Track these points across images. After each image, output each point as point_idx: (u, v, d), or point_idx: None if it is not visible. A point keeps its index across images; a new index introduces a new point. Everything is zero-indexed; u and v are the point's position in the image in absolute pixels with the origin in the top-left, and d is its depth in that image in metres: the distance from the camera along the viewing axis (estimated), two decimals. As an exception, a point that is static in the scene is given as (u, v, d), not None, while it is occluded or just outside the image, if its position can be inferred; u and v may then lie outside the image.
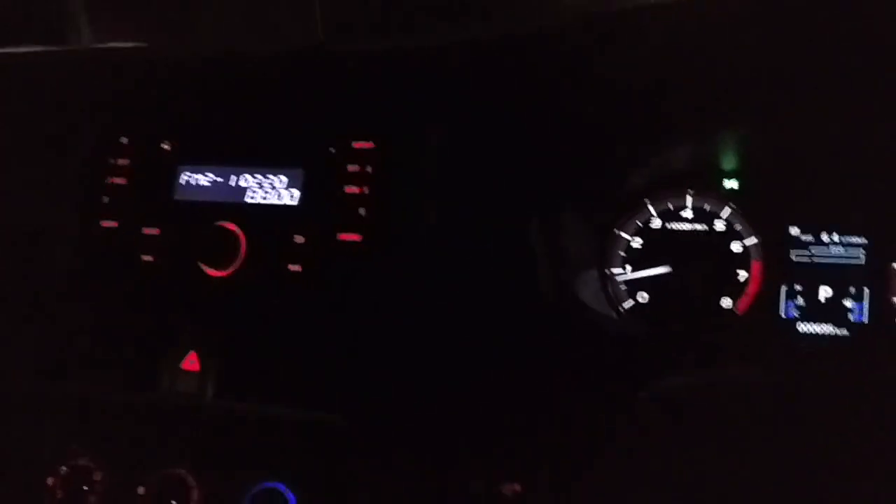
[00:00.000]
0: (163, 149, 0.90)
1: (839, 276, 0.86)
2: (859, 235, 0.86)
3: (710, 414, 0.73)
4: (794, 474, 0.71)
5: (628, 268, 0.92)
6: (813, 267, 0.86)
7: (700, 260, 0.89)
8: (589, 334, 0.86)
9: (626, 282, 0.91)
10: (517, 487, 0.70)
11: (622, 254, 0.92)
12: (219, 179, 0.87)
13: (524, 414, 0.75)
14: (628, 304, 0.91)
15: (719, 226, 0.89)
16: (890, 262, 0.85)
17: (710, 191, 0.90)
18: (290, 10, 0.90)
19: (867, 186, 0.87)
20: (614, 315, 0.91)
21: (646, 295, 0.91)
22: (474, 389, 0.78)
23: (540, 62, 0.81)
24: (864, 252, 0.85)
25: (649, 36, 0.78)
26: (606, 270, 0.92)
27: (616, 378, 0.77)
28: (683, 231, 0.90)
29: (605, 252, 0.92)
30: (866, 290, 0.84)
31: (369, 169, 0.82)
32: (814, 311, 0.86)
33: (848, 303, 0.85)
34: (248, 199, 0.86)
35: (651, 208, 0.91)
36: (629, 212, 0.92)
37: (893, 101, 0.80)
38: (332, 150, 0.84)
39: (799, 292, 0.86)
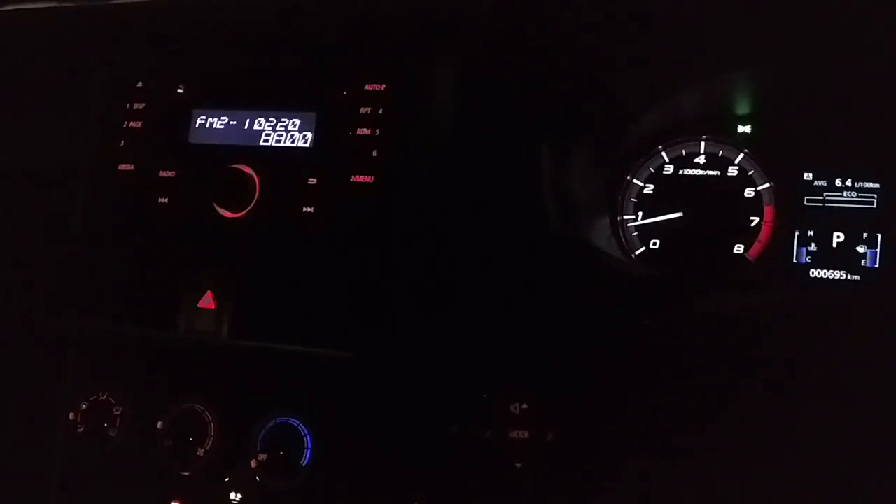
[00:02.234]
0: (178, 92, 0.90)
1: (852, 221, 0.85)
2: (872, 181, 0.85)
3: (718, 347, 0.74)
4: (796, 413, 0.71)
5: (640, 214, 0.92)
6: (826, 212, 0.86)
7: (713, 206, 0.89)
8: (600, 277, 0.87)
9: (639, 227, 0.92)
10: (525, 406, 0.71)
11: (634, 200, 0.92)
12: (233, 123, 0.88)
13: (533, 348, 0.76)
14: (640, 250, 0.92)
15: (732, 171, 0.89)
16: (904, 206, 0.85)
17: (723, 136, 0.90)
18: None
19: (880, 132, 0.86)
20: (627, 261, 0.92)
21: (657, 241, 0.91)
22: (484, 326, 0.79)
23: (549, 6, 0.80)
24: (877, 197, 0.85)
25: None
26: (619, 217, 0.92)
27: (624, 318, 0.77)
28: (696, 177, 0.90)
29: (617, 198, 0.92)
30: (879, 236, 0.85)
31: (381, 111, 0.82)
32: (826, 257, 0.86)
33: (861, 248, 0.85)
34: (262, 142, 0.86)
35: (664, 154, 0.92)
36: (642, 158, 0.92)
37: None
38: (345, 92, 0.84)
39: (811, 238, 0.86)
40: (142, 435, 0.84)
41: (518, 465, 0.71)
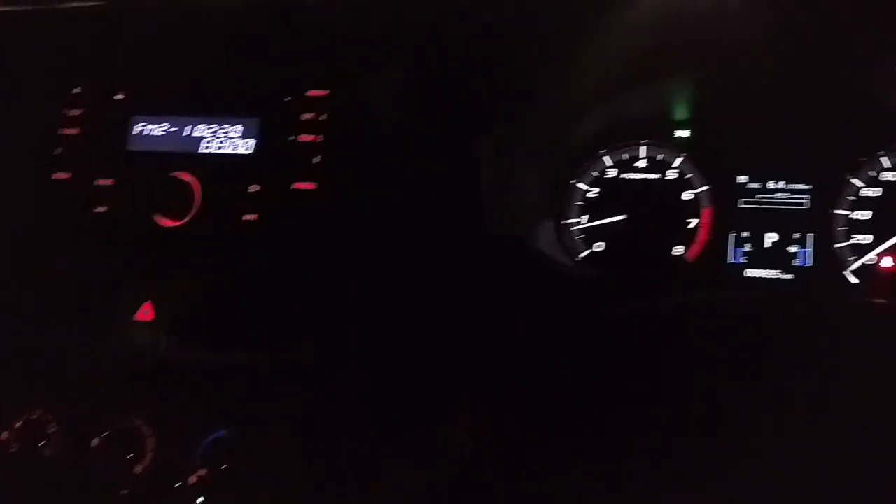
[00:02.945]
0: (116, 99, 0.88)
1: (784, 222, 0.88)
2: (804, 182, 0.88)
3: (660, 349, 0.76)
4: (737, 412, 0.73)
5: (585, 218, 0.94)
6: (759, 213, 0.89)
7: (653, 208, 0.91)
8: (545, 281, 0.87)
9: (583, 231, 0.94)
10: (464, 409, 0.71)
11: (579, 203, 0.94)
12: (173, 129, 0.86)
13: (475, 352, 0.76)
14: (584, 253, 0.93)
15: (672, 175, 0.92)
16: (832, 207, 0.88)
17: (663, 141, 0.92)
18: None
19: (811, 134, 0.89)
20: (570, 265, 0.93)
21: (602, 244, 0.93)
22: (428, 331, 0.79)
23: (491, 10, 0.82)
24: (808, 198, 0.88)
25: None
26: (563, 221, 0.94)
27: (568, 320, 0.78)
28: (638, 180, 0.93)
29: (561, 202, 0.94)
30: (810, 236, 0.88)
31: (323, 117, 0.82)
32: (760, 257, 0.88)
33: (793, 248, 0.88)
34: (202, 149, 0.85)
35: (607, 159, 0.94)
36: (586, 162, 0.93)
37: (835, 53, 0.83)
38: (287, 98, 0.84)
39: (746, 239, 0.89)
40: (77, 453, 0.81)
41: (457, 469, 0.71)
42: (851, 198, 0.87)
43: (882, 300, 0.72)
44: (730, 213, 0.89)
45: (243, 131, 0.84)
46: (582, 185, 0.93)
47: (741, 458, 0.68)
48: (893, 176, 0.86)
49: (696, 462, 0.69)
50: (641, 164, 0.92)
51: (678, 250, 0.90)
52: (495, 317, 0.82)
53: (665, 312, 0.81)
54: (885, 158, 0.86)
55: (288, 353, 0.80)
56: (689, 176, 0.91)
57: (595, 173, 0.93)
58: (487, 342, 0.80)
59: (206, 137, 0.85)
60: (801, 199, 0.88)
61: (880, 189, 0.86)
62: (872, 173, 0.87)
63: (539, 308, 0.84)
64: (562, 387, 0.77)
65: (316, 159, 0.81)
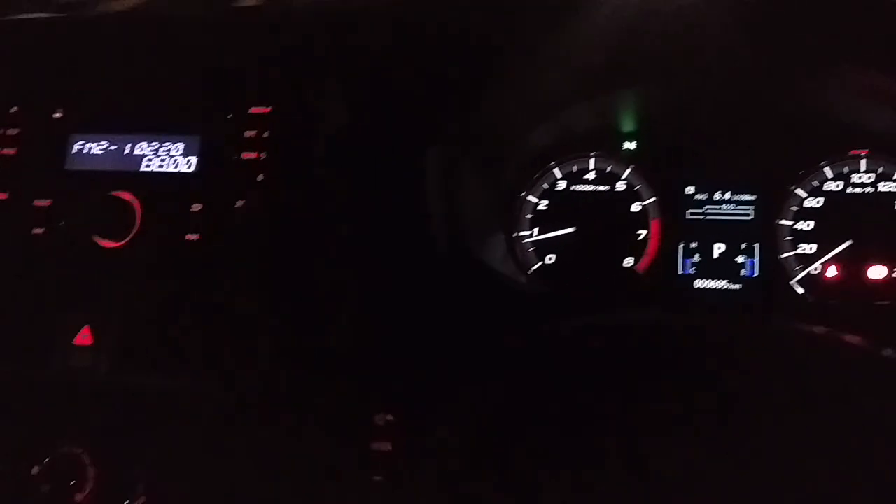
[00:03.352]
0: (54, 117, 0.86)
1: (731, 232, 0.89)
2: (749, 193, 0.89)
3: (612, 361, 0.75)
4: (680, 416, 0.73)
5: (535, 230, 0.93)
6: (707, 224, 0.89)
7: (603, 220, 0.91)
8: (496, 294, 0.87)
9: (534, 244, 0.93)
10: (389, 417, 0.70)
11: (529, 216, 0.94)
12: (113, 148, 0.84)
13: (427, 368, 0.75)
14: (536, 266, 0.93)
15: (620, 186, 0.92)
16: (777, 218, 0.89)
17: (611, 153, 0.92)
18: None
19: (756, 146, 0.90)
20: (522, 278, 0.93)
21: (553, 257, 0.93)
22: (377, 349, 0.78)
23: (436, 24, 0.81)
24: (753, 209, 0.89)
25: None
26: (514, 233, 0.93)
27: (517, 332, 0.78)
28: (587, 192, 0.92)
29: (512, 215, 0.93)
30: (756, 246, 0.88)
31: (267, 134, 0.81)
32: (709, 268, 0.89)
33: (740, 258, 0.89)
34: (143, 168, 0.83)
35: (556, 171, 0.94)
36: (536, 174, 0.93)
37: (779, 65, 0.84)
38: (230, 115, 0.82)
39: (695, 249, 0.89)
40: (16, 481, 0.79)
41: (377, 477, 0.70)
42: (795, 208, 0.88)
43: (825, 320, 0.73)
44: (678, 225, 0.89)
45: (185, 149, 0.83)
46: (532, 198, 0.93)
47: (689, 472, 0.68)
48: (836, 186, 0.87)
49: (646, 477, 0.69)
50: (591, 176, 0.92)
51: (628, 262, 0.90)
52: (446, 331, 0.82)
53: (615, 325, 0.82)
54: (828, 169, 0.87)
55: (233, 375, 0.78)
56: (637, 187, 0.91)
57: (545, 185, 0.92)
58: (438, 356, 0.80)
59: (147, 156, 0.84)
60: (747, 209, 0.89)
61: (823, 199, 0.87)
62: (816, 184, 0.88)
63: (490, 321, 0.84)
64: (515, 400, 0.77)
65: (259, 177, 0.81)
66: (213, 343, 0.79)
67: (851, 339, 0.69)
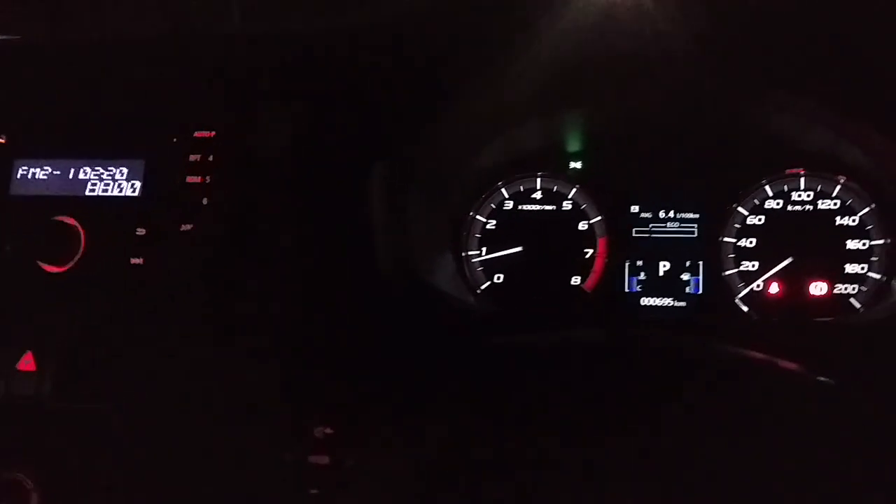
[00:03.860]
0: (-2, 142, 0.88)
1: (676, 250, 0.90)
2: (693, 211, 0.90)
3: (558, 381, 0.76)
4: (625, 429, 0.74)
5: (484, 249, 0.94)
6: (652, 243, 0.90)
7: (550, 239, 0.92)
8: (443, 315, 0.88)
9: (483, 263, 0.94)
10: (329, 431, 0.71)
11: (478, 236, 0.94)
12: (57, 172, 0.84)
13: (376, 388, 0.75)
14: (485, 285, 0.93)
15: (567, 206, 0.93)
16: (719, 235, 0.90)
17: (558, 172, 0.93)
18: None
19: (699, 165, 0.91)
20: (471, 297, 0.93)
21: (501, 276, 0.93)
22: (324, 371, 0.78)
23: (382, 46, 0.82)
24: (696, 227, 0.90)
25: (489, 25, 0.81)
26: (463, 253, 0.94)
27: (464, 350, 0.78)
28: (534, 212, 0.93)
29: (461, 235, 0.94)
30: (701, 264, 0.89)
31: (211, 158, 0.81)
32: (655, 285, 0.90)
33: (685, 276, 0.90)
34: (87, 192, 0.83)
35: (504, 191, 0.94)
36: (483, 194, 0.94)
37: (721, 86, 0.85)
38: (174, 139, 0.82)
39: (640, 267, 0.90)
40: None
41: (314, 491, 0.71)
42: (738, 226, 0.89)
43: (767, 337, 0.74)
44: (624, 243, 0.90)
45: (129, 173, 0.83)
46: (480, 217, 0.93)
47: (629, 487, 0.69)
48: (777, 204, 0.88)
49: (585, 491, 0.69)
50: (538, 195, 0.93)
51: (576, 280, 0.91)
52: (391, 349, 0.82)
53: (561, 343, 0.83)
54: (768, 187, 0.89)
55: (177, 400, 0.79)
56: (584, 206, 0.92)
57: (493, 205, 0.93)
58: (381, 373, 0.80)
59: (91, 180, 0.84)
60: (691, 227, 0.90)
61: (764, 217, 0.89)
62: (757, 202, 0.89)
63: (437, 340, 0.84)
64: (467, 418, 0.78)
65: (204, 201, 0.81)
66: (158, 365, 0.80)
67: (788, 364, 0.70)
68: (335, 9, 0.82)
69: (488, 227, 0.93)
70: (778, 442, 0.62)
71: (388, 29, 0.84)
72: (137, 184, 0.82)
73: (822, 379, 0.67)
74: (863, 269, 0.86)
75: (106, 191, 0.83)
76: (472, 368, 0.74)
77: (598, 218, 0.91)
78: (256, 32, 0.83)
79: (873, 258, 0.85)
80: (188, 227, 0.80)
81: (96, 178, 0.84)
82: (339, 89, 0.83)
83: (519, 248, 0.92)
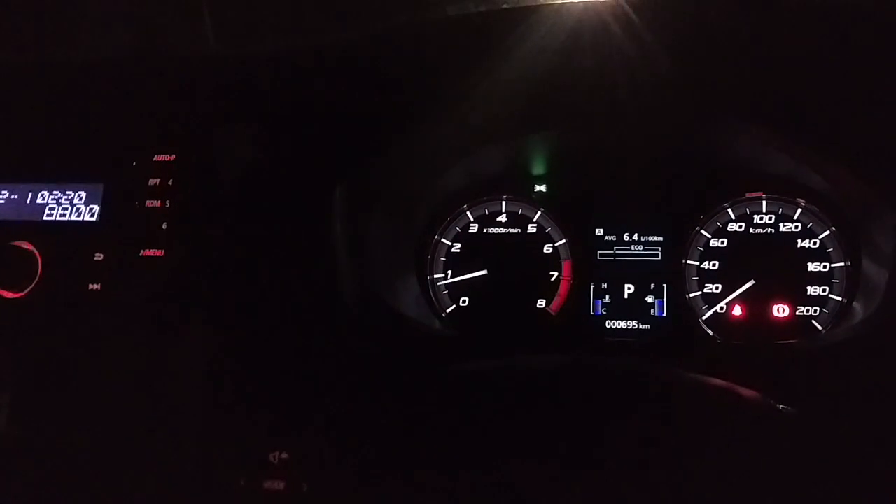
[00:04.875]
0: (-45, 166, 0.86)
1: (640, 273, 0.90)
2: (656, 234, 0.90)
3: (523, 404, 0.75)
4: (588, 450, 0.73)
5: (449, 273, 0.94)
6: (617, 265, 0.90)
7: (516, 262, 0.92)
8: (407, 338, 0.87)
9: (448, 286, 0.93)
10: (284, 456, 0.70)
11: (443, 259, 0.94)
12: (14, 197, 0.84)
13: (338, 411, 0.75)
14: (451, 308, 0.93)
15: (532, 229, 0.93)
16: (683, 258, 0.90)
17: (522, 195, 0.93)
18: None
19: (662, 188, 0.91)
20: (436, 321, 0.93)
21: (467, 299, 0.93)
22: (286, 394, 0.77)
23: (346, 68, 0.82)
24: (660, 250, 0.90)
25: (453, 48, 0.81)
26: (428, 276, 0.94)
27: (428, 374, 0.78)
28: (499, 235, 0.93)
29: (426, 258, 0.94)
30: (665, 286, 0.90)
31: (170, 182, 0.81)
32: (619, 308, 0.90)
33: (649, 298, 0.90)
34: (45, 217, 0.82)
35: (469, 214, 0.94)
36: (448, 218, 0.94)
37: (683, 110, 0.86)
38: (134, 163, 0.82)
39: (605, 290, 0.90)
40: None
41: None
42: (701, 248, 0.89)
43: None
44: (589, 266, 0.91)
45: (87, 198, 0.82)
46: (445, 241, 0.93)
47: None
48: (739, 227, 0.89)
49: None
50: (502, 218, 0.93)
51: (541, 303, 0.91)
52: (356, 376, 0.81)
53: (526, 367, 0.82)
54: (731, 210, 0.89)
55: (132, 425, 0.77)
56: (548, 230, 0.92)
57: (458, 228, 0.93)
58: (347, 401, 0.79)
59: (49, 205, 0.83)
60: (655, 250, 0.90)
61: (726, 240, 0.89)
62: (719, 224, 0.89)
63: (402, 365, 0.83)
64: (431, 442, 0.77)
65: (164, 225, 0.81)
66: (116, 390, 0.79)
67: (748, 392, 0.70)
68: (303, 30, 0.83)
69: (454, 250, 0.93)
70: (737, 467, 0.62)
71: (351, 51, 0.84)
72: (96, 208, 0.82)
73: (782, 407, 0.67)
74: (824, 291, 0.86)
75: (64, 215, 0.82)
76: (436, 393, 0.74)
77: (563, 241, 0.91)
78: (226, 54, 0.84)
79: (834, 280, 0.86)
80: (148, 251, 0.80)
81: (54, 202, 0.83)
82: (301, 111, 0.83)
83: (484, 272, 0.92)
